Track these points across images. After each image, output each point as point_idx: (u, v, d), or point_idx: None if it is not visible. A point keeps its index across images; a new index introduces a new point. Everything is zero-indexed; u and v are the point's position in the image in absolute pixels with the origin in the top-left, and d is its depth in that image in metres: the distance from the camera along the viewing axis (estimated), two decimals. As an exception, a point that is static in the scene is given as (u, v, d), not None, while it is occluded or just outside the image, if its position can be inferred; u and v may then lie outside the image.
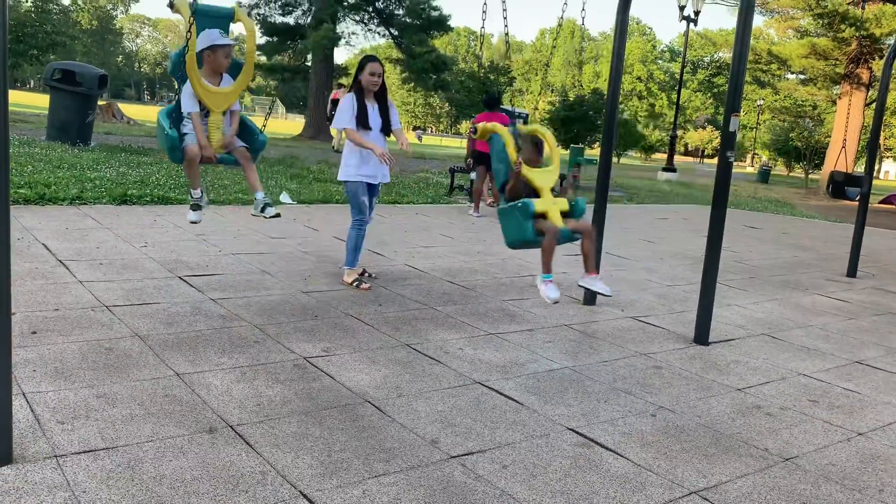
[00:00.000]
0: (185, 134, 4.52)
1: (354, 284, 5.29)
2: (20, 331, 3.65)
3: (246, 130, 4.79)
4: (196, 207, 4.86)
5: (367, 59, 5.21)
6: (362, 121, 5.10)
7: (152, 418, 2.84)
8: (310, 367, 3.58)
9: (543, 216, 4.34)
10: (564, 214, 4.45)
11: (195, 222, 4.93)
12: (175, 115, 4.57)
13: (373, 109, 5.19)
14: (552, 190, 4.53)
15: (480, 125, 4.80)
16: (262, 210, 4.62)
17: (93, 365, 3.33)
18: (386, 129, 5.27)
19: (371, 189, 5.32)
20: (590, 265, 4.44)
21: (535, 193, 4.45)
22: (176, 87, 4.60)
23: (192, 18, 4.12)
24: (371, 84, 5.15)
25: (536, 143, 4.60)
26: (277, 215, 4.67)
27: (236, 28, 4.87)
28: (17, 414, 2.68)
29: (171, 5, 4.34)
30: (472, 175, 10.93)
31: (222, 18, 4.58)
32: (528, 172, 4.44)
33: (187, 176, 4.83)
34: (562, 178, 4.91)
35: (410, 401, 3.27)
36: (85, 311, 4.12)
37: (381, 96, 5.26)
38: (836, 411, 3.63)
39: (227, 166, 5.01)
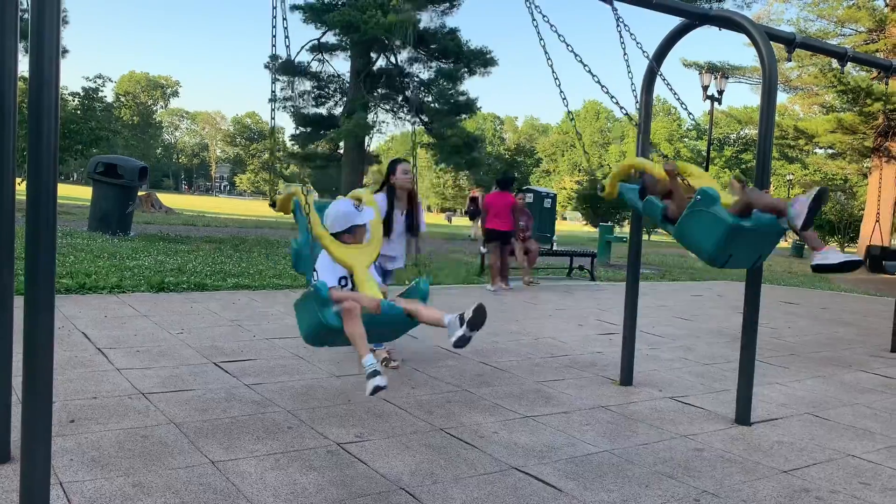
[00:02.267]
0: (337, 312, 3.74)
1: (384, 364, 5.34)
2: (59, 419, 3.68)
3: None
4: (375, 374, 3.55)
5: (397, 161, 5.47)
6: (386, 226, 5.10)
7: (187, 508, 2.82)
8: (343, 454, 3.55)
9: None
10: None
11: (382, 387, 3.52)
12: (317, 300, 3.68)
13: (401, 214, 5.47)
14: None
15: (616, 166, 5.05)
16: (463, 324, 3.69)
17: (129, 453, 3.34)
18: (413, 230, 5.56)
19: (385, 274, 5.56)
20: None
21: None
22: (306, 280, 4.10)
23: (308, 207, 3.85)
24: (406, 182, 5.41)
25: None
26: (481, 310, 3.71)
27: None
28: (53, 504, 2.68)
29: (274, 205, 4.13)
30: (483, 250, 11.93)
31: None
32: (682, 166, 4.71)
33: (355, 340, 3.63)
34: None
35: (446, 487, 3.21)
36: (122, 399, 4.16)
37: (411, 198, 5.53)
38: (889, 494, 3.47)
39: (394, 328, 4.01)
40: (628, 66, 4.72)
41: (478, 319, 3.68)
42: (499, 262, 10.87)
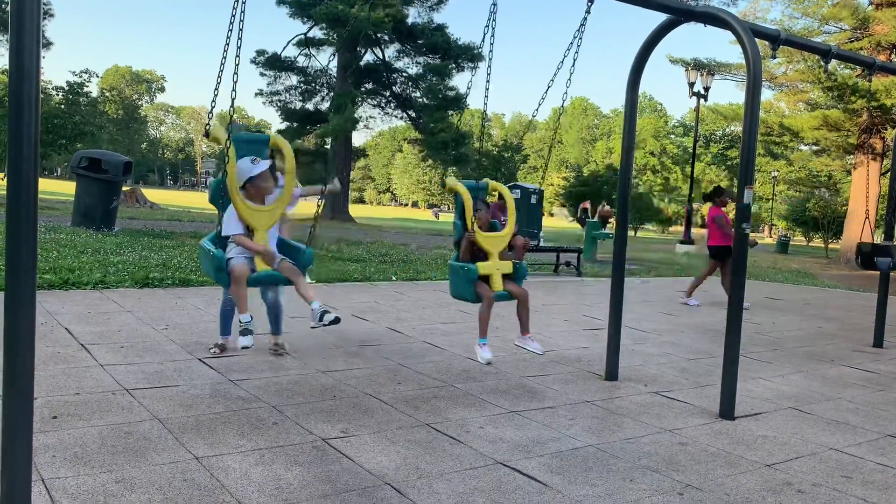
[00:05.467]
0: (230, 258, 4.36)
1: (274, 349, 5.40)
2: (41, 416, 3.65)
3: (290, 247, 4.72)
4: (246, 332, 4.36)
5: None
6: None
7: (171, 503, 2.81)
8: (329, 449, 3.54)
9: (486, 279, 4.83)
10: (507, 276, 4.94)
11: (247, 347, 4.39)
12: (218, 241, 4.45)
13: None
14: (501, 253, 4.96)
15: (448, 180, 5.06)
16: (321, 318, 4.37)
17: (112, 449, 3.32)
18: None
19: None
20: (523, 328, 5.14)
21: (485, 254, 4.90)
22: (217, 213, 4.49)
23: (229, 143, 4.14)
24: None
25: (500, 206, 4.94)
26: (337, 320, 4.40)
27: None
28: (35, 501, 2.66)
29: (207, 134, 4.31)
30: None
31: (259, 144, 4.57)
32: (480, 237, 4.87)
33: (235, 298, 4.39)
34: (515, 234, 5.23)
35: (431, 482, 3.22)
36: (105, 395, 4.13)
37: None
38: (870, 487, 3.51)
39: (274, 286, 4.67)
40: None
41: (330, 325, 4.38)
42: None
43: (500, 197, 5.40)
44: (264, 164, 4.48)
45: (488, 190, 5.23)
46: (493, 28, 4.33)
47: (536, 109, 4.88)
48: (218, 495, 2.92)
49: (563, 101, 4.65)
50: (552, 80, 4.54)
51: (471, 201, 4.91)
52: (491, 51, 4.45)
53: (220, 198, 4.40)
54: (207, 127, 4.27)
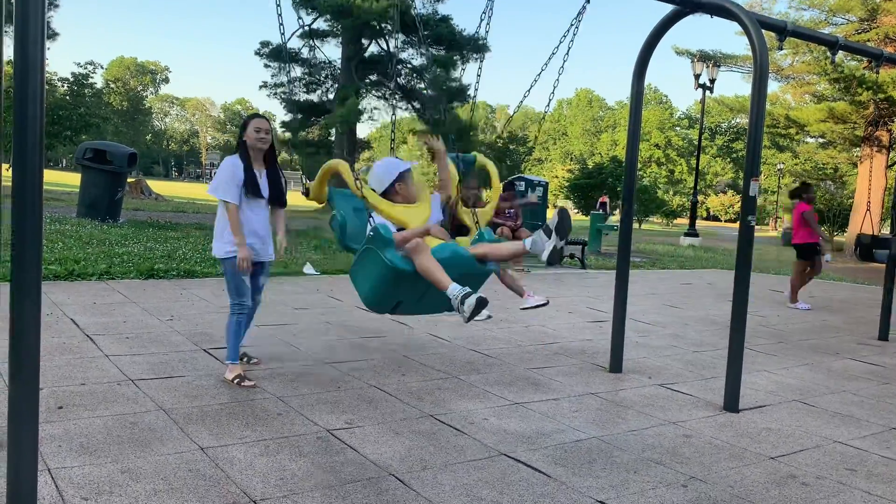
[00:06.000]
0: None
1: (236, 382, 4.33)
2: (47, 406, 3.67)
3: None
4: (468, 294, 3.61)
5: (252, 117, 4.44)
6: (253, 189, 4.32)
7: (176, 493, 2.82)
8: (333, 440, 3.55)
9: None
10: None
11: (486, 302, 3.66)
12: (380, 242, 3.79)
13: (261, 176, 4.42)
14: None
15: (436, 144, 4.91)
16: (551, 234, 3.57)
17: (117, 440, 3.34)
18: (278, 201, 4.52)
19: (255, 267, 4.44)
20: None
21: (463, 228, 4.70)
22: (354, 254, 4.01)
23: (360, 182, 3.96)
24: (259, 141, 4.34)
25: (504, 198, 4.93)
26: (568, 228, 3.62)
27: None
28: (41, 490, 2.68)
29: (308, 192, 4.30)
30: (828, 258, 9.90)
31: (356, 199, 4.37)
32: (462, 212, 4.69)
33: (432, 273, 3.60)
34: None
35: (435, 473, 3.22)
36: (111, 386, 4.14)
37: (270, 161, 4.49)
38: (875, 480, 3.51)
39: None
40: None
41: (564, 224, 3.45)
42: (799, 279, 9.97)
43: (505, 189, 5.41)
44: (411, 162, 4.29)
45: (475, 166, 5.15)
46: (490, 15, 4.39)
47: (520, 102, 4.88)
48: (223, 486, 2.93)
49: (555, 86, 4.63)
50: (540, 71, 4.59)
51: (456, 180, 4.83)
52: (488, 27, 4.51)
53: (352, 226, 4.12)
54: (307, 184, 4.35)
